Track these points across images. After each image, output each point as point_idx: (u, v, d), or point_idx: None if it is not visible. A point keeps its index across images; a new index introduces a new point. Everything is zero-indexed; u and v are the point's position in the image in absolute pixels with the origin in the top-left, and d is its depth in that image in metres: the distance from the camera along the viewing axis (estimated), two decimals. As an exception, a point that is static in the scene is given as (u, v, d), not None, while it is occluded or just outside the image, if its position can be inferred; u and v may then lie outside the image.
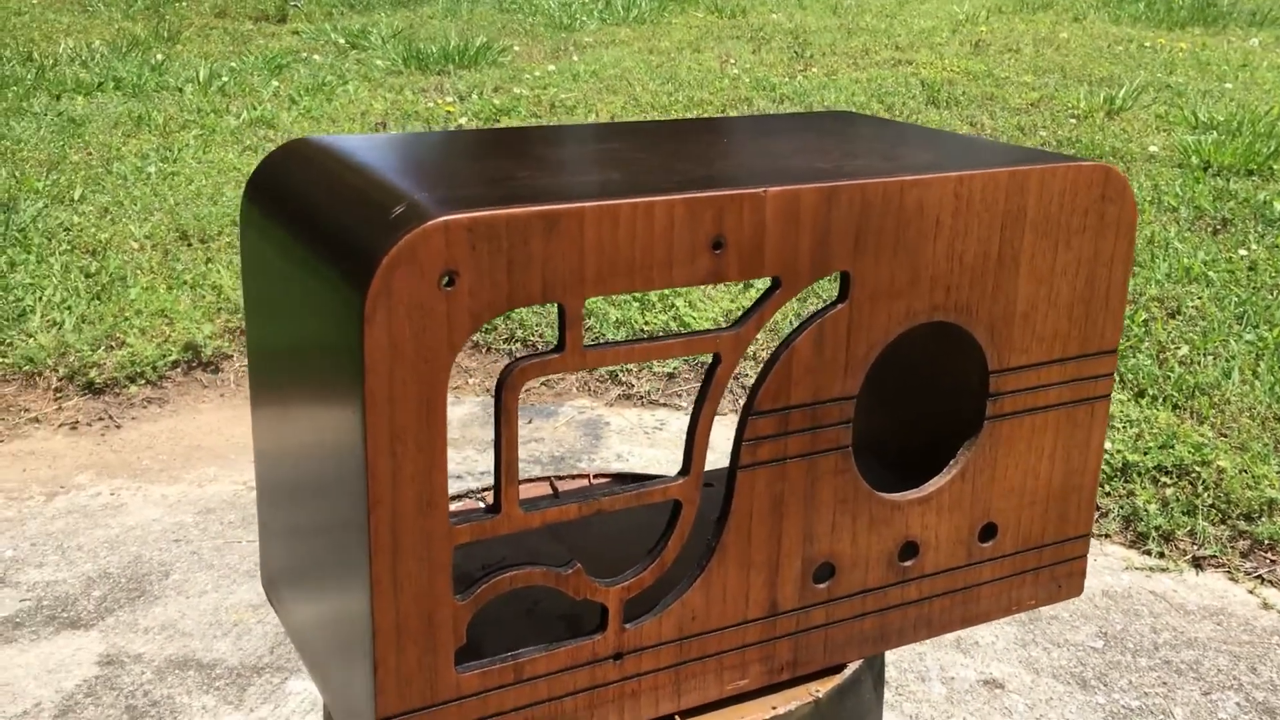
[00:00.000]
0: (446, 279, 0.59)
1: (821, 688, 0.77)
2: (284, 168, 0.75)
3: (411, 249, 0.57)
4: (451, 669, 0.65)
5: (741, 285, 3.13)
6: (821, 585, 0.75)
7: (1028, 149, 0.80)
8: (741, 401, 2.61)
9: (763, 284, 2.89)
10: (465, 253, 0.59)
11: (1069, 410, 0.81)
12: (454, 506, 0.90)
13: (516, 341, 2.90)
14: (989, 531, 0.81)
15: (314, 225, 0.66)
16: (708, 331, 0.67)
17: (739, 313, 2.95)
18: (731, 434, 2.31)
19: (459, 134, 0.80)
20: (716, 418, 0.69)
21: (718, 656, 0.73)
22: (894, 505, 0.76)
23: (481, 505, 0.93)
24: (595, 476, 1.02)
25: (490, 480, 0.91)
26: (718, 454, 2.11)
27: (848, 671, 0.78)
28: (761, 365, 0.84)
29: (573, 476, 1.02)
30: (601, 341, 0.81)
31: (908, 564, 0.78)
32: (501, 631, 0.75)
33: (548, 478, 0.99)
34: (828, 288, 3.02)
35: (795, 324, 0.70)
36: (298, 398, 0.70)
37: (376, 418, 0.60)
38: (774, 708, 0.74)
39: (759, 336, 2.82)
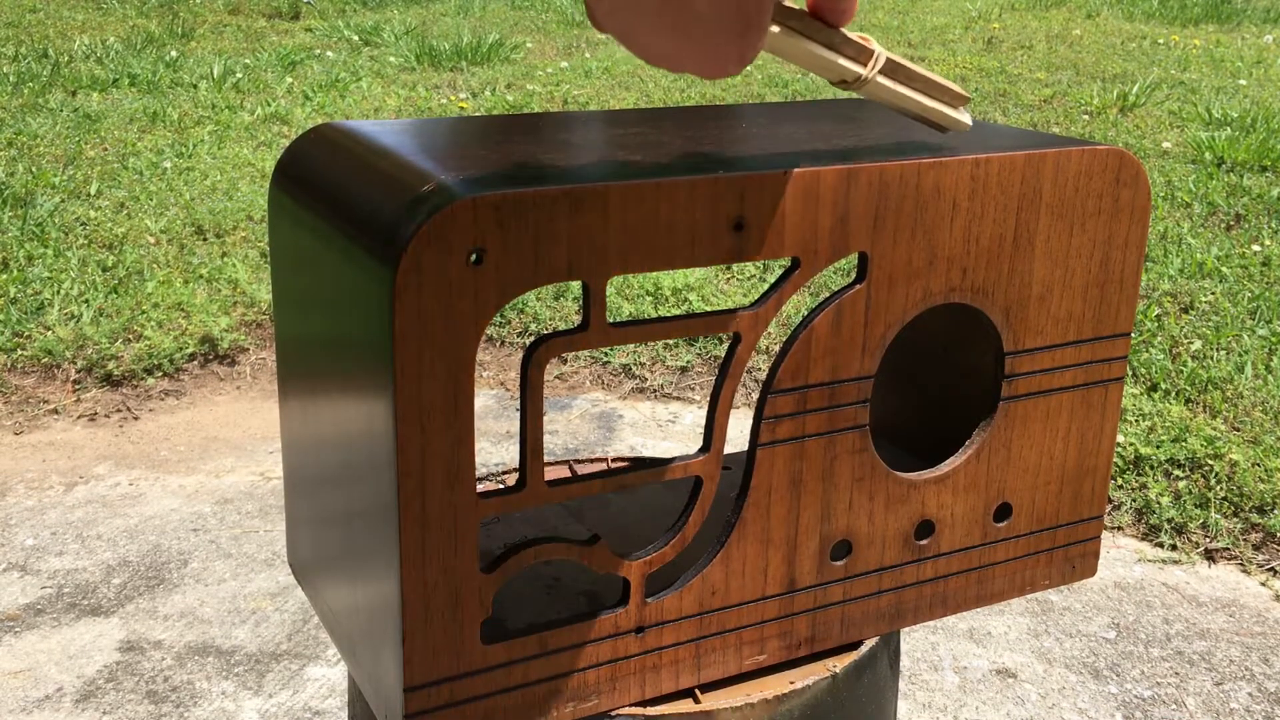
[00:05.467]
0: (475, 256, 0.60)
1: (839, 664, 0.78)
2: (311, 153, 0.77)
3: (441, 226, 0.59)
4: (478, 641, 0.67)
5: (755, 279, 3.14)
6: (839, 563, 0.77)
7: (1041, 133, 0.81)
8: (754, 395, 2.62)
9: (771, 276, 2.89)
10: (493, 230, 0.60)
11: (1084, 392, 0.82)
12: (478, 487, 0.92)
13: (530, 335, 2.92)
14: (1004, 511, 0.82)
15: (343, 207, 0.67)
16: (728, 311, 0.68)
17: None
18: (744, 426, 2.33)
19: (482, 118, 0.82)
20: (729, 411, 0.71)
21: (737, 632, 0.74)
22: (910, 484, 0.78)
23: (502, 485, 0.94)
24: (613, 460, 1.03)
25: (504, 469, 0.93)
26: (732, 445, 2.12)
27: (864, 648, 0.79)
28: (773, 357, 0.85)
29: (590, 460, 1.03)
30: (623, 320, 0.82)
31: (924, 542, 0.80)
32: (524, 607, 0.77)
33: (566, 461, 1.00)
34: (830, 279, 3.03)
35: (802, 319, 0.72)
36: (327, 383, 0.71)
37: (406, 393, 0.61)
38: (791, 682, 0.76)
39: (771, 329, 2.83)
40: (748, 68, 5.41)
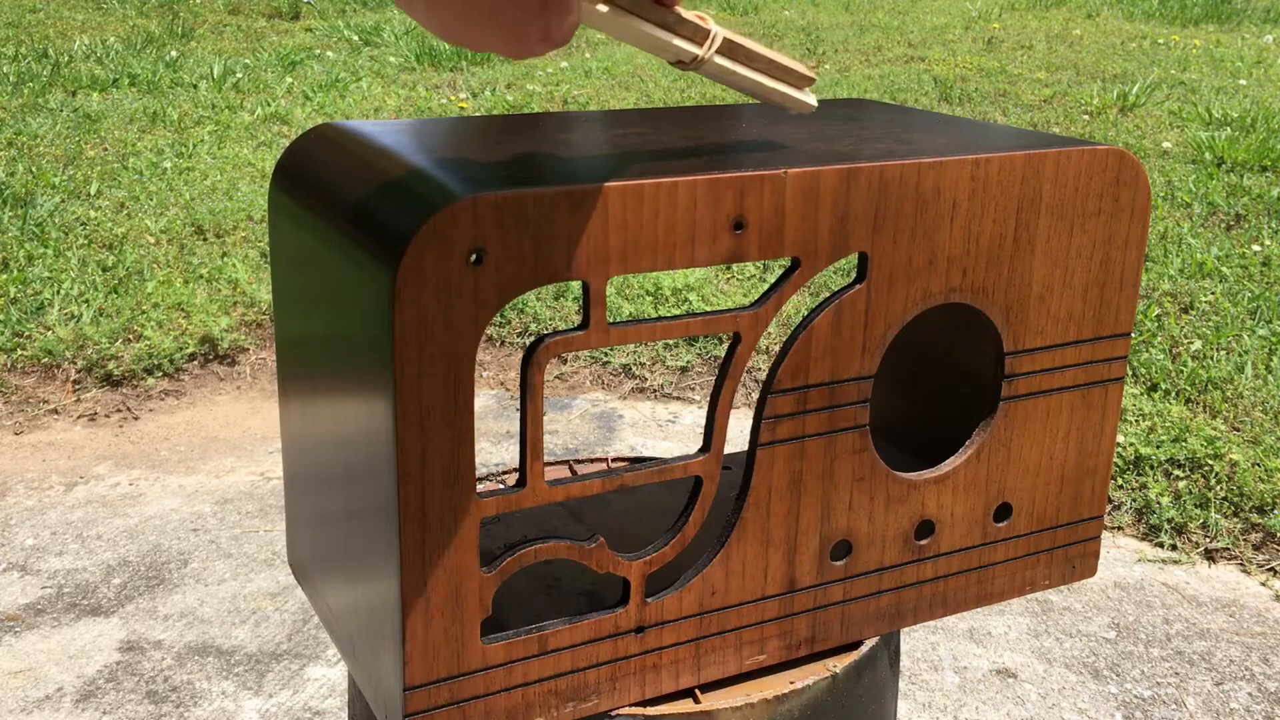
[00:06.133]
0: (474, 256, 0.60)
1: (839, 664, 0.78)
2: (311, 153, 0.77)
3: (440, 227, 0.59)
4: (478, 640, 0.67)
5: (755, 279, 3.14)
6: (839, 563, 0.77)
7: (1040, 133, 0.81)
8: (754, 395, 2.62)
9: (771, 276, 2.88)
10: (492, 230, 0.60)
11: (1084, 392, 0.82)
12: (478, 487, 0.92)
13: (530, 335, 2.92)
14: (1004, 511, 0.82)
15: (343, 207, 0.67)
16: (727, 311, 0.68)
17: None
18: (744, 426, 2.33)
19: (482, 118, 0.82)
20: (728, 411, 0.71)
21: (737, 632, 0.74)
22: (910, 484, 0.78)
23: (502, 485, 0.94)
24: (613, 460, 1.03)
25: (504, 469, 0.94)
26: (732, 445, 2.12)
27: (864, 648, 0.79)
28: (773, 357, 0.85)
29: (591, 460, 1.03)
30: (623, 320, 0.82)
31: (924, 543, 0.80)
32: (523, 607, 0.77)
33: (566, 460, 1.00)
34: (827, 280, 3.03)
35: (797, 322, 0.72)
36: (327, 384, 0.71)
37: (406, 394, 0.61)
38: (791, 682, 0.76)
39: (771, 329, 2.83)
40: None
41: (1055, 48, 6.00)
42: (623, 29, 0.61)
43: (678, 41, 0.63)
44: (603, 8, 0.60)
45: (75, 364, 2.71)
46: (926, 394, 0.89)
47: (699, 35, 0.64)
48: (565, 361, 2.87)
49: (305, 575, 0.83)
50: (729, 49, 0.66)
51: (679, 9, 0.63)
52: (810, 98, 0.71)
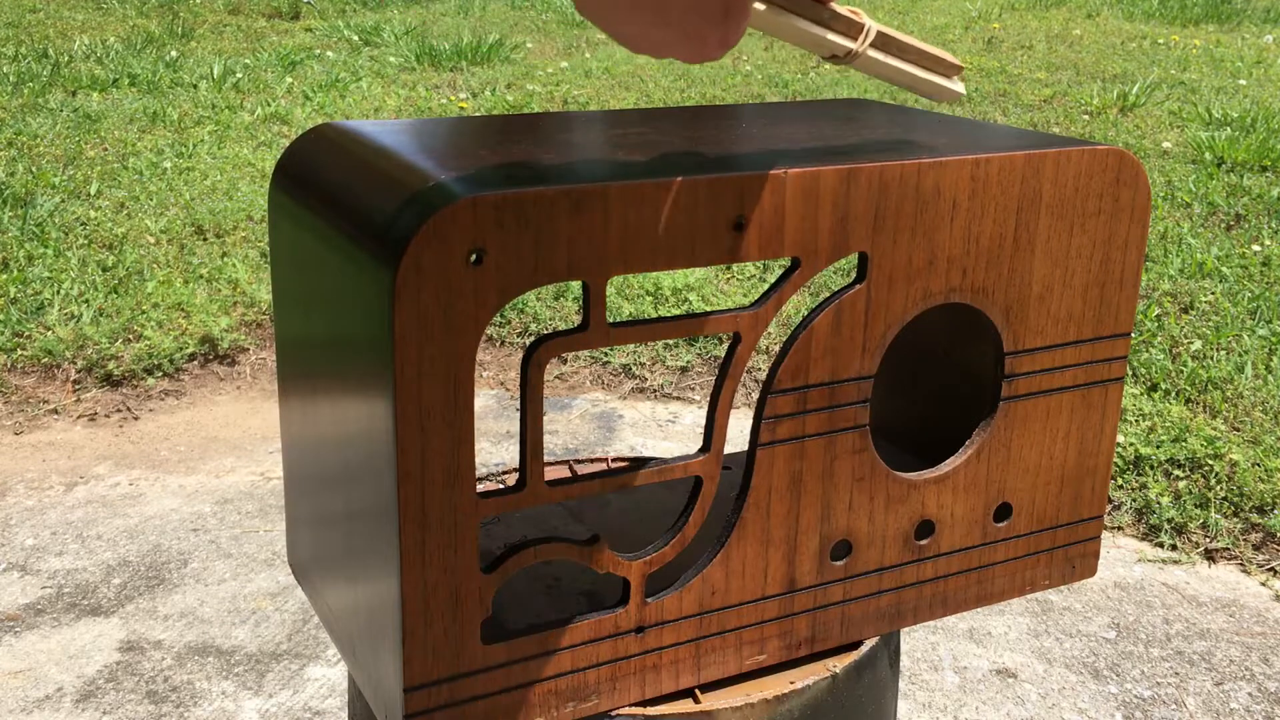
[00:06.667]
0: (474, 256, 0.60)
1: (839, 663, 0.78)
2: (311, 153, 0.77)
3: (441, 226, 0.59)
4: (477, 640, 0.67)
5: (755, 279, 3.14)
6: (839, 563, 0.77)
7: (1040, 133, 0.81)
8: (754, 395, 2.62)
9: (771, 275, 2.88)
10: (493, 230, 0.60)
11: (1084, 392, 0.82)
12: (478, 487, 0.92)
13: (530, 335, 2.92)
14: (1004, 511, 0.82)
15: (343, 207, 0.67)
16: (727, 311, 0.68)
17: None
18: (744, 426, 2.33)
19: (482, 118, 0.82)
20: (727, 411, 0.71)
21: (737, 632, 0.74)
22: (910, 484, 0.78)
23: (502, 485, 0.94)
24: (613, 460, 1.03)
25: (504, 469, 0.94)
26: (732, 445, 2.12)
27: (864, 648, 0.79)
28: (773, 357, 0.85)
29: (590, 460, 1.03)
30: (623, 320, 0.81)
31: (924, 543, 0.80)
32: (523, 607, 0.77)
33: (566, 461, 1.00)
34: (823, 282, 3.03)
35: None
36: (327, 383, 0.71)
37: (406, 394, 0.61)
38: (792, 682, 0.76)
39: (771, 329, 2.83)
40: (748, 68, 5.41)
41: (1055, 48, 6.00)
42: (779, 26, 0.63)
43: (832, 36, 0.65)
44: (760, 5, 0.62)
45: (75, 364, 2.71)
46: (926, 394, 0.89)
47: (853, 29, 0.66)
48: (565, 361, 2.87)
49: (305, 575, 0.83)
50: (882, 42, 0.68)
51: (834, 4, 0.64)
52: (959, 85, 0.72)
